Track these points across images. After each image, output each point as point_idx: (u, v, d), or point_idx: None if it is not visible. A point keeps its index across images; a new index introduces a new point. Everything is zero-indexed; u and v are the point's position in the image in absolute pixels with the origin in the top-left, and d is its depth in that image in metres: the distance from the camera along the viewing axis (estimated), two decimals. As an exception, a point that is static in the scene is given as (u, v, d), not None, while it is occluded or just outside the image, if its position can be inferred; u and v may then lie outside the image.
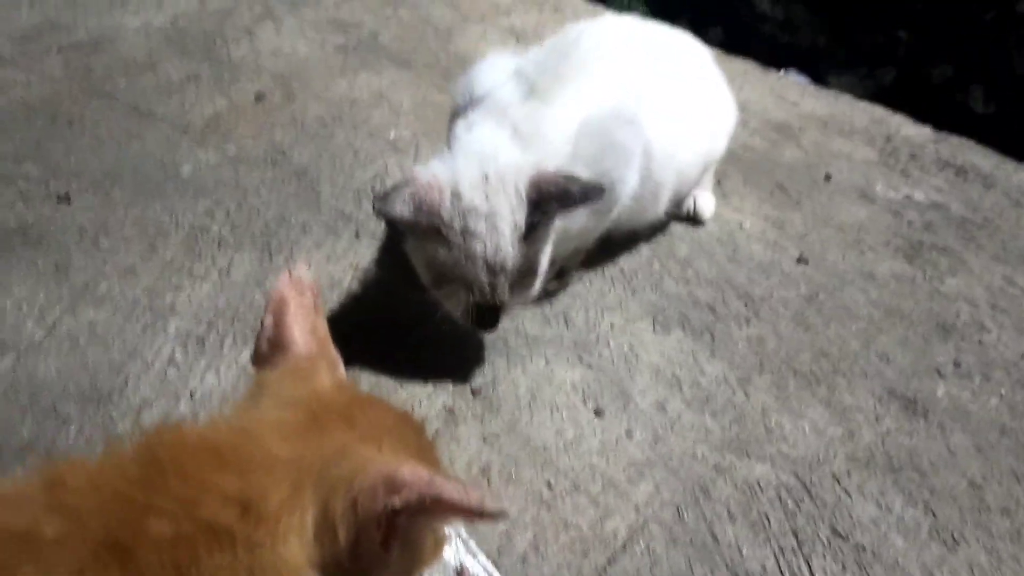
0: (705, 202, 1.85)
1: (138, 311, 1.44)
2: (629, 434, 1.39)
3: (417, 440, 0.80)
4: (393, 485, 0.61)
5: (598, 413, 1.42)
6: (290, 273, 0.86)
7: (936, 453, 1.43)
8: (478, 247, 1.23)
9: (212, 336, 1.42)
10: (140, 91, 1.98)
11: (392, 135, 1.99)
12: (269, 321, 0.81)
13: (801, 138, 2.23)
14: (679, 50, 1.65)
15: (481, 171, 1.26)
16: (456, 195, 1.24)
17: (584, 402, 1.44)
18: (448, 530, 1.15)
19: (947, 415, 1.50)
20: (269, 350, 0.81)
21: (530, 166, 1.27)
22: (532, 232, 1.26)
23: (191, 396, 1.33)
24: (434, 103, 2.13)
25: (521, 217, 1.25)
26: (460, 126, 1.39)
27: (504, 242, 1.24)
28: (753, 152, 2.11)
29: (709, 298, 1.68)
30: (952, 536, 1.30)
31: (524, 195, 1.25)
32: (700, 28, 1.88)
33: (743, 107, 2.07)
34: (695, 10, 3.58)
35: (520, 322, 1.56)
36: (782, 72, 3.45)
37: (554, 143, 1.33)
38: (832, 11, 3.65)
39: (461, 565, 1.16)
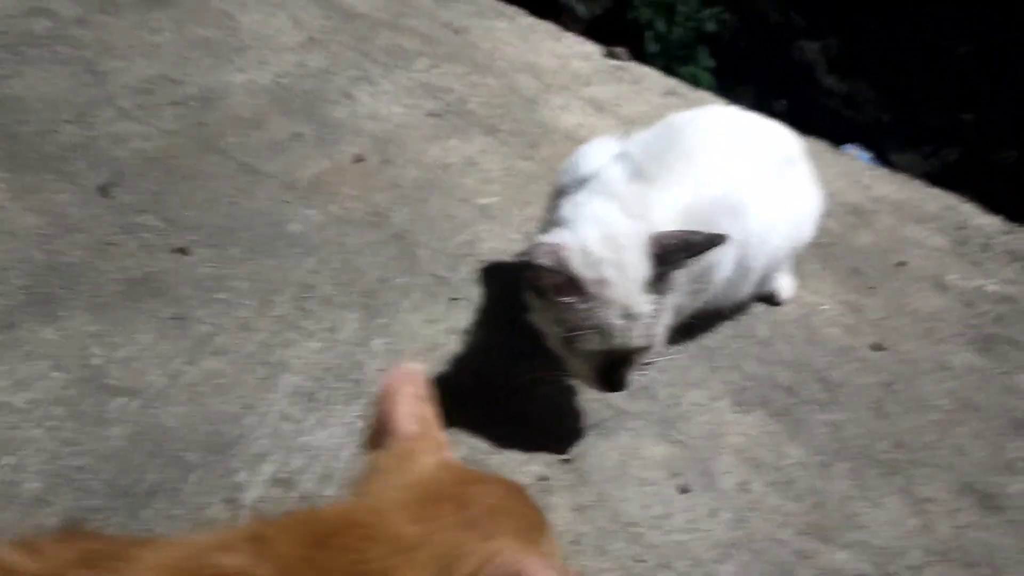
0: (786, 283, 1.91)
1: (253, 364, 1.53)
2: (714, 513, 1.44)
3: (527, 513, 0.86)
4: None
5: (684, 491, 1.47)
6: (399, 368, 0.93)
7: (1011, 549, 1.46)
8: (611, 293, 1.33)
9: (322, 393, 1.51)
10: (249, 148, 2.09)
11: (483, 201, 2.08)
12: (377, 410, 0.89)
13: (875, 223, 2.29)
14: (775, 141, 1.73)
15: (603, 232, 1.37)
16: (585, 251, 1.35)
17: (670, 478, 1.49)
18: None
19: (1021, 511, 1.53)
20: (377, 435, 0.88)
21: (645, 231, 1.37)
22: (658, 283, 1.36)
23: (303, 450, 1.41)
24: (521, 171, 2.22)
25: (646, 269, 1.35)
26: (567, 204, 1.48)
27: (635, 288, 1.34)
28: (830, 235, 2.17)
29: (788, 380, 1.73)
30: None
31: (647, 251, 1.35)
32: (764, 99, 1.97)
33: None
34: (760, 82, 3.68)
35: (606, 394, 1.63)
36: (846, 148, 3.51)
37: (660, 224, 1.41)
38: (897, 89, 3.73)
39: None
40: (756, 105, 1.83)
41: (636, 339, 1.36)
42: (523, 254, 1.34)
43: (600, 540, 1.37)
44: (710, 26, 4.10)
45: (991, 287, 2.12)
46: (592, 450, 1.52)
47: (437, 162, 2.21)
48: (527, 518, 0.84)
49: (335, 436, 1.45)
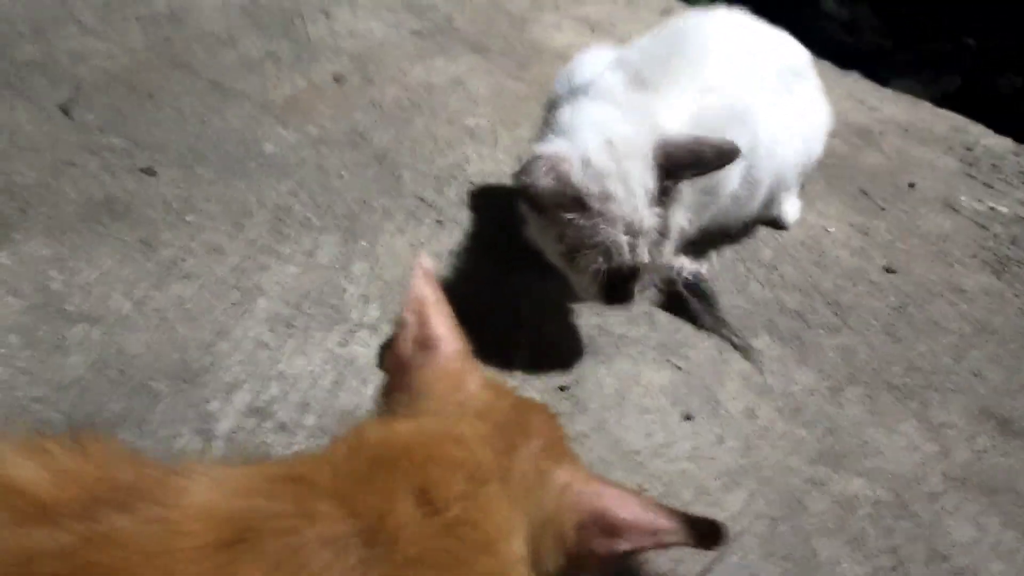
0: (791, 206, 1.81)
1: (225, 289, 1.43)
2: (720, 440, 1.36)
3: (564, 436, 0.79)
4: (613, 528, 0.61)
5: (688, 417, 1.39)
6: (422, 267, 0.84)
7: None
8: (615, 208, 1.23)
9: (300, 319, 1.40)
10: (220, 66, 1.96)
11: (471, 122, 1.96)
12: (412, 319, 0.80)
13: (882, 143, 2.18)
14: (784, 52, 1.61)
15: (604, 139, 1.25)
16: (586, 162, 1.24)
17: (673, 405, 1.40)
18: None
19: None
20: (415, 350, 0.78)
21: (650, 137, 1.25)
22: (663, 195, 1.26)
23: (280, 378, 1.31)
24: (511, 91, 2.10)
25: (651, 181, 1.25)
26: (564, 111, 1.37)
27: (640, 203, 1.24)
28: (835, 156, 2.06)
29: (796, 304, 1.64)
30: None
31: (652, 159, 1.25)
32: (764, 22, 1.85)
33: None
34: (760, 4, 3.52)
35: (604, 319, 1.53)
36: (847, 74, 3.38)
37: (665, 131, 1.30)
38: (898, 14, 3.57)
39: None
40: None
41: (641, 255, 1.26)
42: (521, 172, 1.23)
43: (600, 469, 1.28)
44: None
45: (1003, 208, 2.02)
46: (590, 377, 1.43)
47: (421, 82, 2.08)
48: (566, 441, 0.80)
49: (314, 363, 1.35)
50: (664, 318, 1.55)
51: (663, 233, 1.28)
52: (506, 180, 1.78)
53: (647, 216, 1.25)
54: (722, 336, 1.53)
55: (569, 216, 1.25)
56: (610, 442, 1.33)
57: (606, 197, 1.24)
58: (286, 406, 1.27)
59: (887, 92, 2.55)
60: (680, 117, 1.34)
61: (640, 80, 1.37)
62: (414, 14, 2.34)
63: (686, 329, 1.54)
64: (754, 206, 1.58)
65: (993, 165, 2.19)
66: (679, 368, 1.47)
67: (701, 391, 1.44)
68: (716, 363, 1.49)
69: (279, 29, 2.13)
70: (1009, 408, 1.49)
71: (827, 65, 2.51)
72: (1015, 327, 1.68)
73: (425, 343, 0.80)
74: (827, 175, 2.00)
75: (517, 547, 0.62)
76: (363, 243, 1.57)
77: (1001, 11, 3.44)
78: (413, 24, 2.30)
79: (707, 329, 1.54)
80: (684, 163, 1.25)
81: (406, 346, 0.80)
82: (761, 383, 1.47)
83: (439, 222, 1.66)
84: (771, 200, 1.71)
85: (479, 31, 2.34)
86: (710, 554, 1.18)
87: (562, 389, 1.40)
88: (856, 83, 2.50)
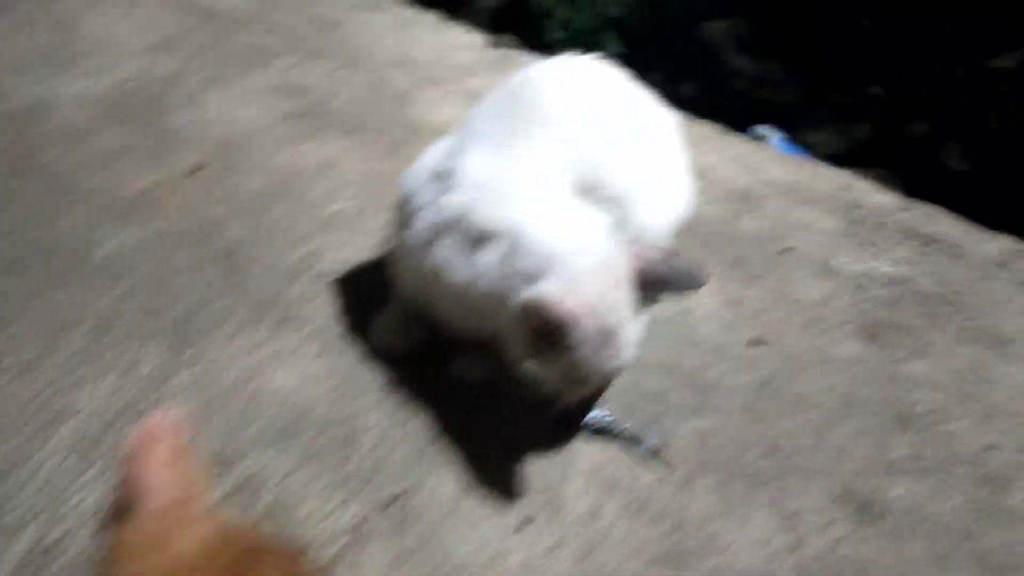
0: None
1: (31, 412, 1.34)
2: (558, 546, 1.29)
3: None
4: None
5: (527, 522, 1.31)
6: (150, 421, 0.77)
7: (890, 564, 1.32)
8: (617, 340, 1.22)
9: (108, 438, 1.32)
10: (70, 163, 1.90)
11: (334, 208, 1.91)
12: (123, 476, 0.72)
13: (763, 206, 2.16)
14: (641, 108, 1.53)
15: (592, 267, 1.22)
16: (593, 309, 1.19)
17: (512, 509, 1.33)
18: None
19: (903, 518, 1.40)
20: (125, 507, 0.71)
21: (625, 259, 1.23)
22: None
23: (76, 509, 1.22)
24: (382, 173, 2.05)
25: (632, 299, 1.24)
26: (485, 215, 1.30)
27: (629, 322, 1.23)
28: (712, 223, 2.03)
29: (657, 386, 1.58)
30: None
31: (632, 282, 1.23)
32: (675, 83, 1.83)
33: (704, 174, 2.00)
34: (669, 66, 3.54)
35: (450, 417, 1.46)
36: (758, 128, 3.39)
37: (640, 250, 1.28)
38: (806, 68, 3.60)
39: None
40: (666, 90, 1.64)
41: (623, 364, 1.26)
42: (543, 318, 1.17)
43: (421, 590, 1.20)
44: (615, 10, 3.95)
45: (883, 268, 1.99)
46: (428, 482, 1.35)
47: (287, 167, 2.03)
48: None
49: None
50: (509, 410, 1.49)
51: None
52: (368, 267, 1.72)
53: (634, 331, 1.23)
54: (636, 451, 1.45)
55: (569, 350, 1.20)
56: (439, 557, 1.25)
57: (609, 333, 1.21)
58: (77, 541, 1.18)
59: (778, 155, 2.54)
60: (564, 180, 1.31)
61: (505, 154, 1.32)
62: (289, 96, 2.30)
63: (533, 423, 1.48)
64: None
65: (877, 223, 2.17)
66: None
67: (544, 490, 1.37)
68: (564, 457, 1.43)
69: (141, 120, 2.08)
70: (872, 488, 1.44)
71: (719, 128, 2.51)
72: (884, 397, 1.63)
73: (134, 498, 0.73)
74: (703, 243, 1.97)
75: None
76: (190, 351, 1.49)
77: (904, 60, 3.47)
78: (287, 107, 2.26)
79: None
80: (658, 288, 1.24)
81: (117, 504, 0.73)
82: (610, 477, 1.40)
83: (283, 320, 1.59)
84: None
85: (357, 111, 2.31)
86: None
87: (395, 498, 1.33)
88: (745, 146, 2.49)
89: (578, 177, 1.34)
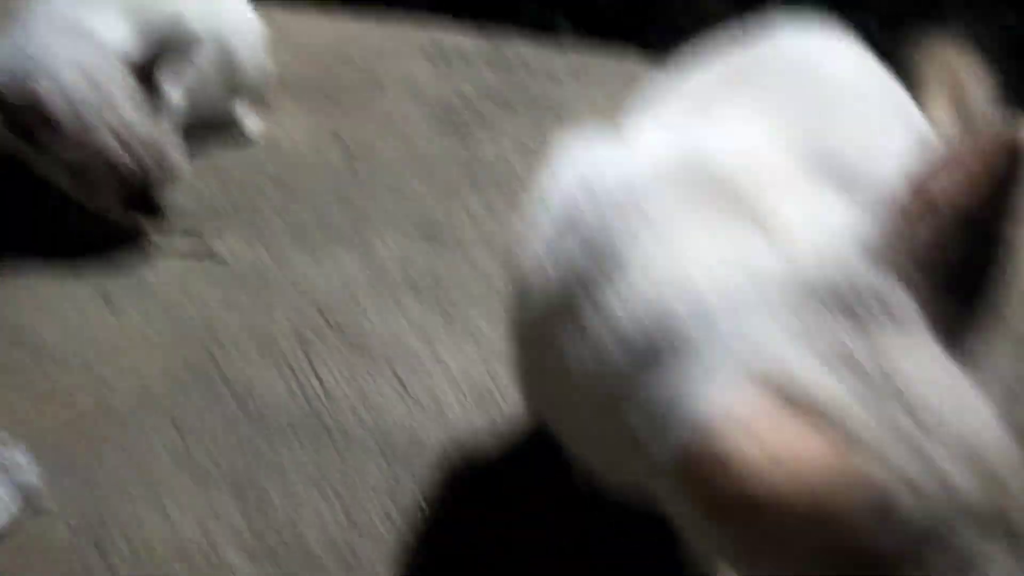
0: (251, 120, 1.89)
1: None
2: (144, 316, 1.37)
3: None
4: None
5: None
6: None
7: (457, 268, 1.52)
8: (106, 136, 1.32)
9: None
10: None
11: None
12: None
13: (358, 62, 2.33)
14: None
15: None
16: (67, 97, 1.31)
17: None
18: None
19: (471, 240, 1.61)
20: None
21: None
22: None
23: None
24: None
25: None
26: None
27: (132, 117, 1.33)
28: (304, 77, 2.18)
29: (246, 197, 1.70)
30: (462, 323, 1.38)
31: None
32: None
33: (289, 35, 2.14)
34: None
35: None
36: None
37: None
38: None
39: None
40: None
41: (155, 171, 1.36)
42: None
43: None
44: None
45: (467, 88, 2.23)
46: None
47: None
48: None
49: None
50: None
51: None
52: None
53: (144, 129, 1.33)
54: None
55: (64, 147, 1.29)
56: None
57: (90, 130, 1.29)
58: None
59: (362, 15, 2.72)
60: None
61: None
62: None
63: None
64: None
65: (463, 58, 2.41)
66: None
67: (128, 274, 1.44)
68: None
69: None
70: (442, 225, 1.64)
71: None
72: (462, 170, 1.85)
73: None
74: (294, 94, 2.10)
75: None
76: None
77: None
78: None
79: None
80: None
81: None
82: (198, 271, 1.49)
83: None
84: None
85: None
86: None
87: None
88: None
89: None
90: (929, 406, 0.50)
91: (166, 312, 1.38)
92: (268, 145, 1.88)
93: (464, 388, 1.27)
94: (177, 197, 1.68)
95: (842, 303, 0.54)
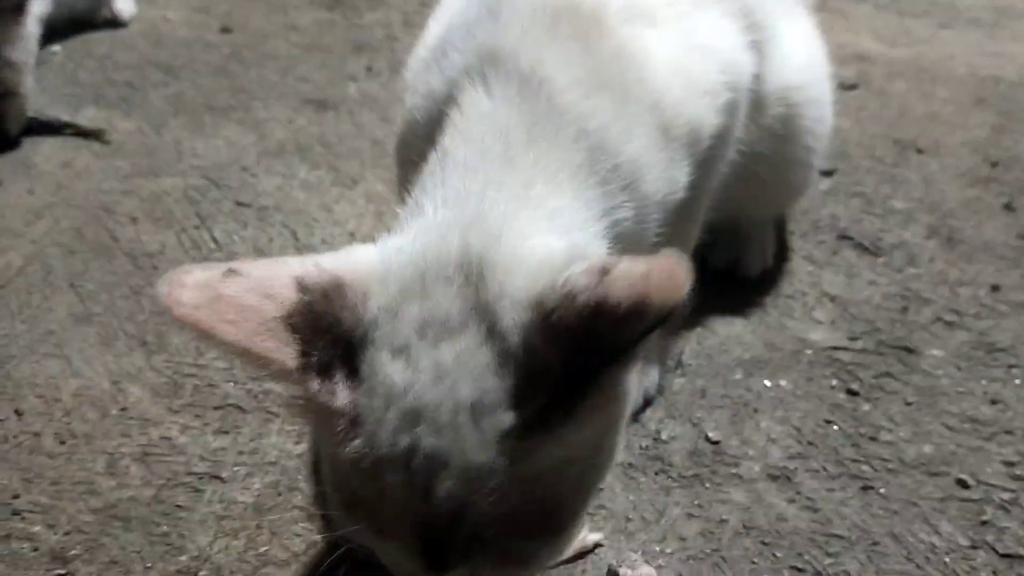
0: (124, 3, 1.87)
1: None
2: (31, 192, 1.38)
3: None
4: None
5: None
6: None
7: (344, 131, 1.56)
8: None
9: None
10: None
11: None
12: None
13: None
14: None
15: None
16: None
17: None
18: None
19: (357, 104, 1.64)
20: None
21: None
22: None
23: None
24: None
25: None
26: None
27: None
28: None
29: (127, 77, 1.69)
30: (352, 179, 1.43)
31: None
32: None
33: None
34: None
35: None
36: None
37: None
38: None
39: None
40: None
41: None
42: None
43: None
44: None
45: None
46: None
47: None
48: None
49: None
50: None
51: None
52: None
53: None
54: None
55: None
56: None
57: None
58: None
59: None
60: None
61: None
62: None
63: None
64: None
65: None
66: None
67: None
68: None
69: None
70: (328, 94, 1.67)
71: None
72: (343, 40, 1.86)
73: None
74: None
75: None
76: None
77: None
78: None
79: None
80: None
81: None
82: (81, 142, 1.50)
83: None
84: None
85: None
86: (12, 274, 1.20)
87: None
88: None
89: None
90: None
91: (55, 188, 1.39)
92: (144, 27, 1.87)
93: (358, 237, 1.32)
94: (55, 81, 1.67)
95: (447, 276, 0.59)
